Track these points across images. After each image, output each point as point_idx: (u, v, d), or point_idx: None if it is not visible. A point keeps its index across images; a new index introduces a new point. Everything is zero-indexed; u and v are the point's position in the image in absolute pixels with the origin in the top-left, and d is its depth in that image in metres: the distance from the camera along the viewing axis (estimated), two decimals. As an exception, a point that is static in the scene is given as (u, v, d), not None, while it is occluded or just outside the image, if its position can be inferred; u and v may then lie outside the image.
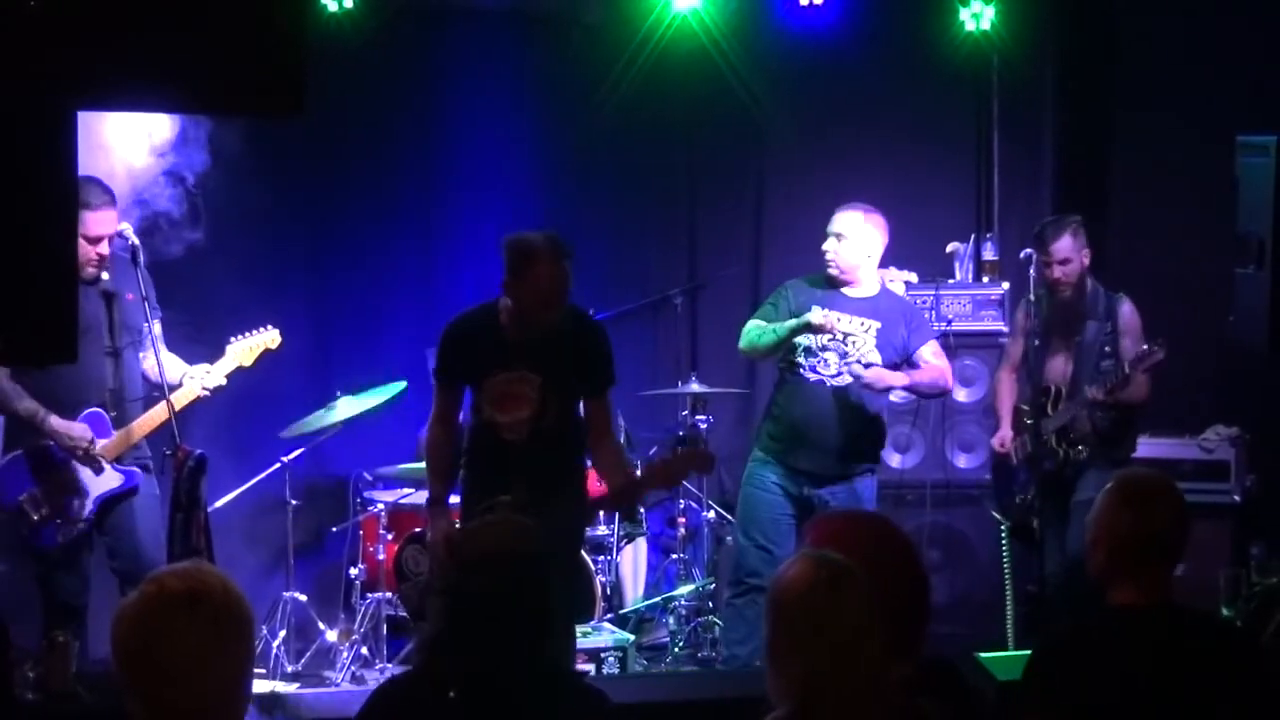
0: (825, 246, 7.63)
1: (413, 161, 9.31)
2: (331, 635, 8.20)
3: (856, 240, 7.61)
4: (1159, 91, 9.44)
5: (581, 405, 6.39)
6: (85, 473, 6.92)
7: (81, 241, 6.67)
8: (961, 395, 9.19)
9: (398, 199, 9.33)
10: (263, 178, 8.40)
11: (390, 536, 8.16)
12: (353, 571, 8.28)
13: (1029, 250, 7.99)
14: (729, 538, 8.40)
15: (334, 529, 8.58)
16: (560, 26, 9.40)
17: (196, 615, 2.98)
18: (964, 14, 9.47)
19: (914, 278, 9.27)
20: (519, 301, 6.01)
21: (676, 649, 8.56)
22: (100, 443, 6.92)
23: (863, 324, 7.56)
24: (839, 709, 3.32)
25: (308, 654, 8.19)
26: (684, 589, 8.72)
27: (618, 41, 9.23)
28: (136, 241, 6.86)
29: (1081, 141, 9.80)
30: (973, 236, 9.57)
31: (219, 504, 7.66)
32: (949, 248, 9.48)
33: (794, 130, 9.65)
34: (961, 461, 9.21)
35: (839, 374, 7.55)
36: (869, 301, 7.66)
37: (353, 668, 7.93)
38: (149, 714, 3.01)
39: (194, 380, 7.13)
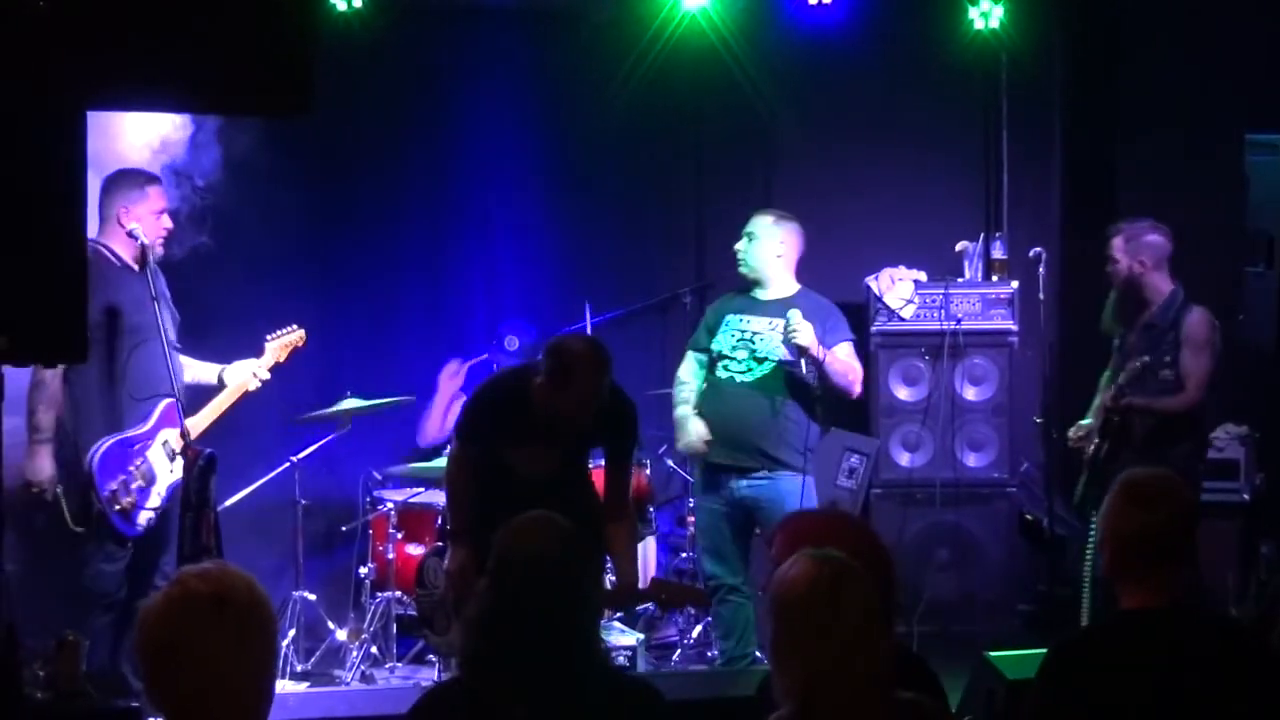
0: (736, 246, 7.92)
1: (421, 160, 9.31)
2: (341, 634, 8.20)
3: (765, 241, 7.85)
4: (1167, 90, 9.42)
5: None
6: (161, 462, 7.02)
7: (154, 219, 7.04)
8: (971, 394, 9.20)
9: (406, 197, 9.33)
10: (270, 178, 8.38)
11: (400, 536, 8.17)
12: (362, 571, 8.28)
13: (1038, 249, 8.00)
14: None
15: (343, 528, 8.58)
16: (569, 24, 9.40)
17: (222, 618, 2.99)
18: (972, 13, 9.47)
19: (923, 276, 9.28)
20: (554, 402, 5.97)
21: (685, 648, 8.56)
22: (173, 432, 7.05)
23: (770, 323, 7.71)
24: (842, 707, 3.31)
25: (317, 653, 8.19)
26: (693, 588, 8.71)
27: (627, 40, 9.23)
28: (146, 241, 6.89)
29: (1090, 140, 9.79)
30: (981, 235, 9.56)
31: (229, 503, 7.66)
32: (958, 247, 9.47)
33: (802, 129, 9.66)
34: (971, 460, 9.21)
35: (747, 369, 7.72)
36: (781, 302, 7.78)
37: (362, 667, 7.93)
38: (172, 715, 3.01)
39: (239, 374, 7.40)
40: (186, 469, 6.65)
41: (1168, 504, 4.04)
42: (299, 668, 7.99)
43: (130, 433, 6.95)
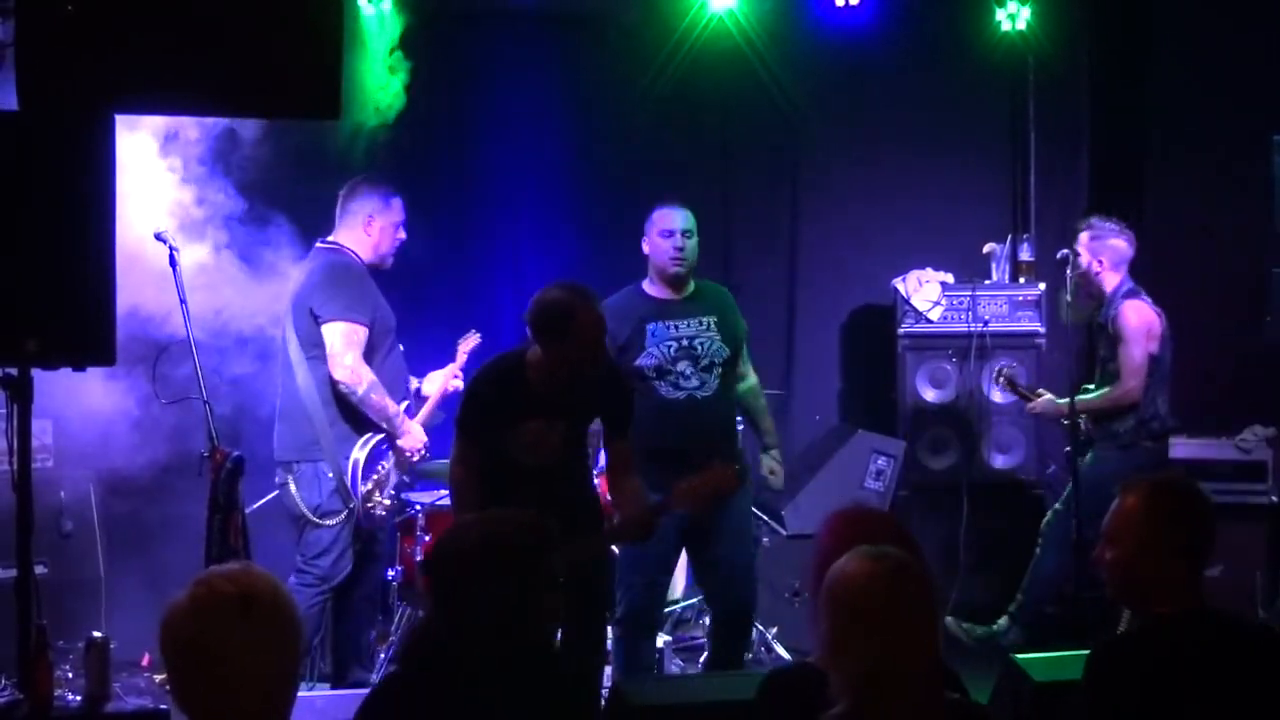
0: (680, 244, 7.27)
1: (447, 163, 9.31)
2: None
3: (696, 237, 7.35)
4: (1195, 90, 9.41)
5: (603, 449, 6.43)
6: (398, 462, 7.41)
7: (393, 230, 7.38)
8: (998, 396, 9.18)
9: (433, 201, 9.31)
10: (297, 181, 8.38)
11: (427, 538, 8.16)
12: (390, 573, 8.28)
13: (1065, 251, 8.01)
14: (766, 539, 8.39)
15: (371, 530, 8.59)
16: (596, 27, 9.41)
17: (247, 618, 3.00)
18: (999, 14, 9.48)
19: (950, 278, 9.28)
20: (565, 358, 5.91)
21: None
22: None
23: (700, 322, 7.18)
24: (898, 703, 3.29)
25: (345, 655, 8.19)
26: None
27: (653, 42, 9.24)
28: (176, 244, 6.87)
29: (1118, 141, 9.79)
30: (1009, 237, 9.55)
31: (256, 505, 7.66)
32: (985, 248, 9.46)
33: (829, 130, 9.66)
34: (998, 462, 9.20)
35: (700, 383, 7.05)
36: (694, 299, 7.28)
37: (390, 668, 7.94)
38: (197, 714, 3.03)
39: (437, 382, 7.76)
40: (214, 471, 6.65)
41: (1199, 506, 4.01)
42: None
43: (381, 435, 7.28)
